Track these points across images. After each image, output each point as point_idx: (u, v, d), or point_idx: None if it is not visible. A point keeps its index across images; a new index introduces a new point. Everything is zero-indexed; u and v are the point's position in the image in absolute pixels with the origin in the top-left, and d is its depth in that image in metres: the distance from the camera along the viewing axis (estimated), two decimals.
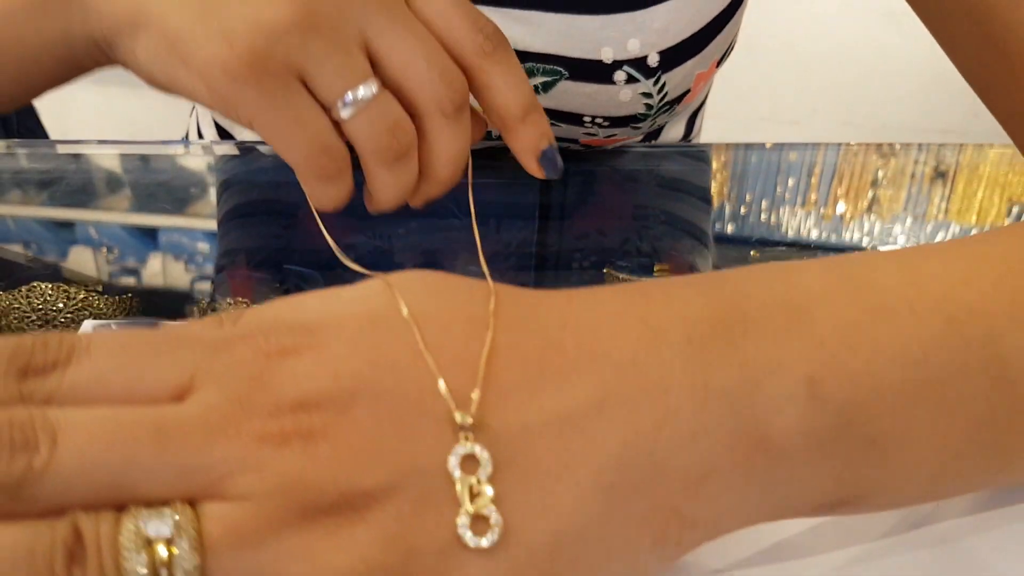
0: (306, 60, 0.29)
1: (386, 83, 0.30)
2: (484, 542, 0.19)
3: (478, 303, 0.22)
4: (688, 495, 0.21)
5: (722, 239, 0.52)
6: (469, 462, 0.20)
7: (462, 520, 0.19)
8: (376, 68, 0.30)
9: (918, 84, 1.11)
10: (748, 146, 0.58)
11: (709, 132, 0.64)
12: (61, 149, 0.51)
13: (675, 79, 0.47)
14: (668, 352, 0.21)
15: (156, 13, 0.30)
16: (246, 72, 0.28)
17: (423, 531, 0.19)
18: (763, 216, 0.53)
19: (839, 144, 0.59)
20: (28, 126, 0.65)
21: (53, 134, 0.73)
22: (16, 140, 0.50)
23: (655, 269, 0.50)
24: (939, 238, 0.52)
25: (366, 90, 0.29)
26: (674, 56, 0.45)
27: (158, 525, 0.18)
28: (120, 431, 0.19)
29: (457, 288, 0.22)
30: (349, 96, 0.29)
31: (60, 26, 0.33)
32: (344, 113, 0.30)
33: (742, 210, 0.53)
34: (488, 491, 0.19)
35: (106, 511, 0.18)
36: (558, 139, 0.51)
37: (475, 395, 0.20)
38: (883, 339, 0.22)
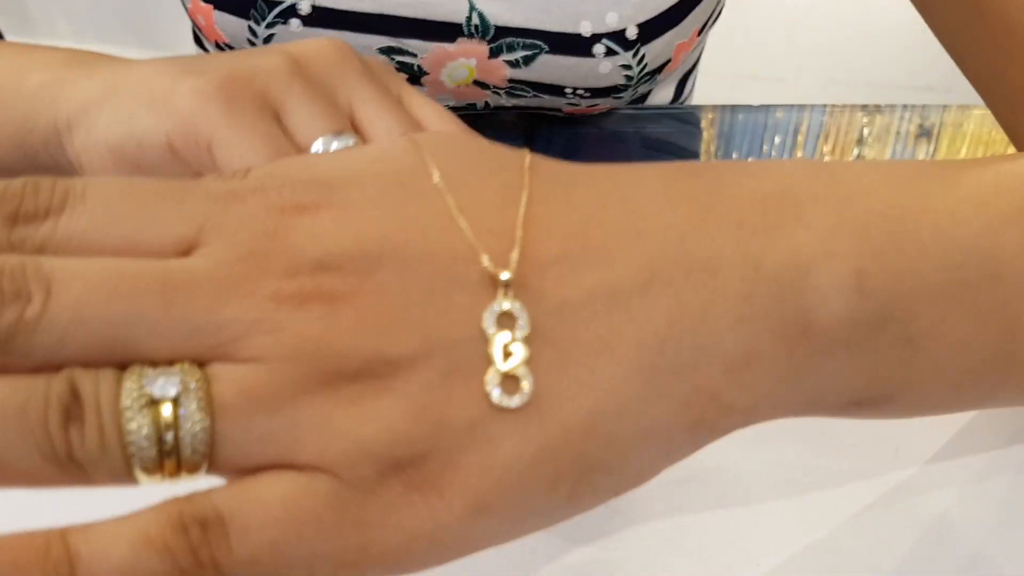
0: (286, 97, 0.27)
1: None
2: (513, 402, 0.18)
3: (514, 170, 0.21)
4: (729, 380, 0.20)
5: None
6: (505, 320, 0.18)
7: (492, 378, 0.18)
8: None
9: (903, 41, 1.13)
10: (735, 107, 0.58)
11: (695, 90, 0.64)
12: None
13: (654, 50, 0.47)
14: (719, 232, 0.20)
15: (135, 78, 0.28)
16: (216, 91, 0.26)
17: (453, 402, 0.18)
18: None
19: (824, 106, 0.59)
20: None
21: None
22: None
23: None
24: None
25: (342, 142, 0.26)
26: (653, 28, 0.46)
27: (164, 384, 0.16)
28: (122, 282, 0.17)
29: (490, 152, 0.21)
30: (326, 143, 0.26)
31: (22, 113, 0.30)
32: None
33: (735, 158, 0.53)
34: (522, 351, 0.18)
35: (107, 368, 0.17)
36: (541, 109, 0.51)
37: (514, 255, 0.19)
38: (928, 239, 0.22)
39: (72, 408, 0.16)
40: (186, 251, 0.18)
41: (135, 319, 0.17)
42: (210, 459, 0.17)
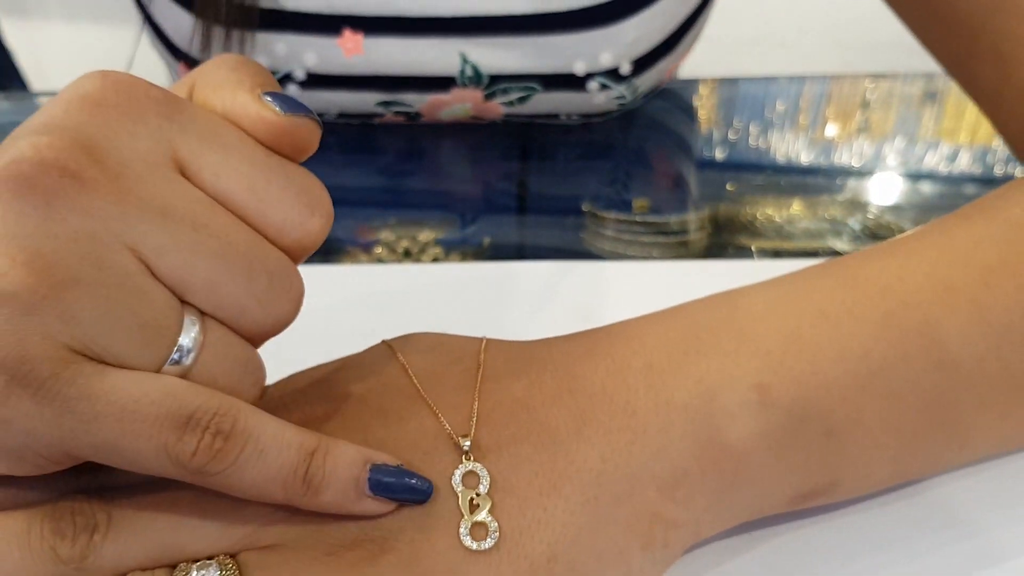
0: (82, 335, 0.20)
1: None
2: (483, 545, 0.22)
3: (469, 355, 0.26)
4: (664, 499, 0.24)
5: (713, 165, 0.54)
6: (469, 478, 0.23)
7: (464, 529, 0.22)
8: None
9: None
10: (735, 80, 0.59)
11: (695, 56, 0.65)
12: (41, 101, 0.52)
13: (647, 80, 0.49)
14: (632, 378, 0.25)
15: None
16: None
17: (432, 552, 0.22)
18: (752, 141, 0.55)
19: (827, 77, 0.60)
20: (3, 68, 0.65)
21: (31, 76, 0.73)
22: None
23: (634, 205, 0.52)
24: (929, 158, 0.54)
25: (188, 338, 0.21)
26: (645, 62, 0.48)
27: (205, 573, 0.21)
28: (164, 501, 0.22)
29: (451, 346, 0.26)
30: (174, 355, 0.21)
31: None
32: (180, 371, 0.21)
33: (731, 135, 0.55)
34: (486, 502, 0.23)
35: (160, 568, 0.22)
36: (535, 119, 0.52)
37: (472, 424, 0.24)
38: (824, 342, 0.25)
39: None
40: None
41: (177, 527, 0.22)
42: None
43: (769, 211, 0.53)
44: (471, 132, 0.52)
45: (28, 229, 0.19)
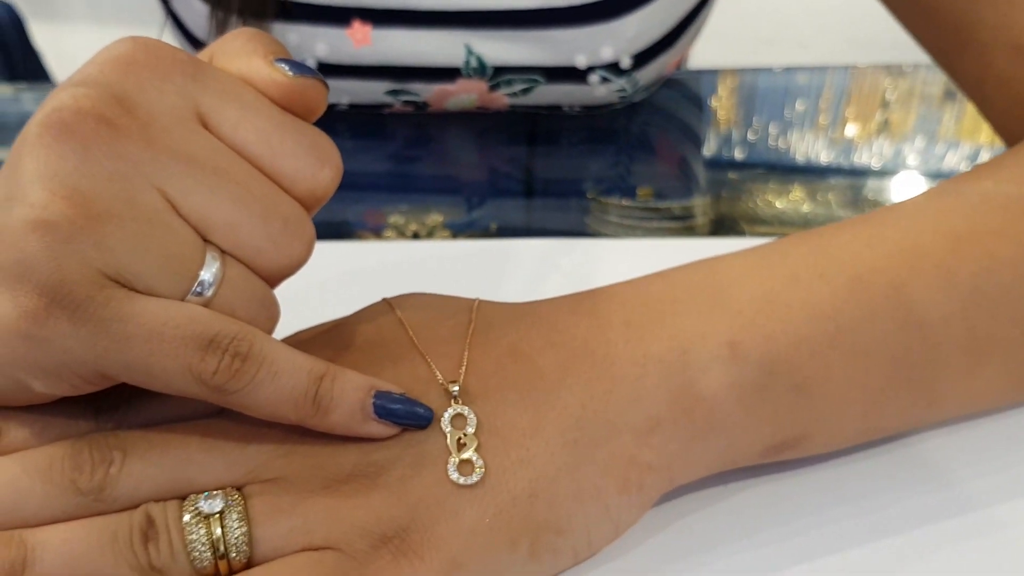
0: (115, 263, 0.22)
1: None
2: (469, 480, 0.25)
3: (461, 313, 0.28)
4: (640, 444, 0.26)
5: (731, 165, 0.55)
6: (458, 420, 0.25)
7: (452, 465, 0.25)
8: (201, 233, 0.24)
9: None
10: (756, 71, 0.61)
11: (711, 56, 0.66)
12: None
13: (649, 73, 0.51)
14: (612, 333, 0.27)
15: None
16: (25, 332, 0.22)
17: (422, 486, 0.25)
18: (771, 141, 0.56)
19: (847, 67, 0.61)
20: (32, 69, 0.69)
21: (59, 77, 0.76)
22: (22, 84, 0.54)
23: (638, 193, 0.54)
24: (950, 158, 0.55)
25: (209, 273, 0.23)
26: (646, 56, 0.50)
27: (211, 504, 0.24)
28: (174, 438, 0.25)
29: (444, 303, 0.29)
30: (196, 288, 0.23)
31: None
32: (201, 302, 0.23)
33: (750, 135, 0.57)
34: (473, 441, 0.25)
35: (172, 500, 0.24)
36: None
37: (462, 370, 0.26)
38: (795, 302, 0.28)
39: (149, 531, 0.24)
40: (220, 411, 0.26)
41: (187, 463, 0.24)
42: (251, 556, 0.24)
43: (770, 197, 0.55)
44: (477, 120, 0.54)
45: (68, 168, 0.22)
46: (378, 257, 0.44)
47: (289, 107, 0.25)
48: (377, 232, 0.53)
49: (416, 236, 0.53)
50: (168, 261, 0.23)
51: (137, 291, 0.22)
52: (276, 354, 0.23)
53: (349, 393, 0.24)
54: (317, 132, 0.25)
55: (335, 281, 0.41)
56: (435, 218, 0.53)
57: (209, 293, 0.23)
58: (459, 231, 0.53)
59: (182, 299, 0.23)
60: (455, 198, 0.53)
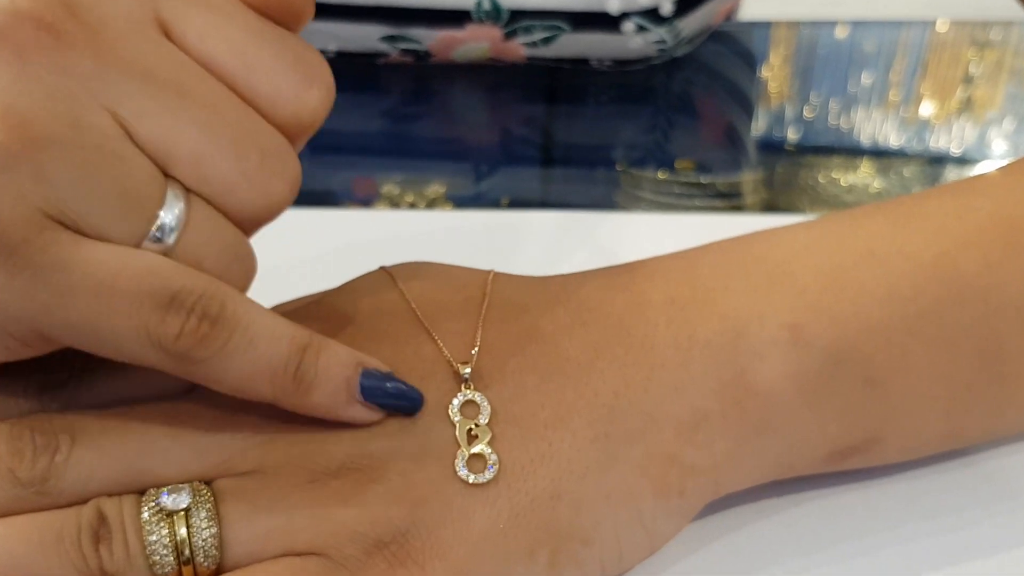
0: (57, 199, 0.22)
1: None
2: (481, 477, 0.25)
3: (474, 285, 0.29)
4: (682, 441, 0.27)
5: (783, 147, 0.55)
6: (468, 408, 0.26)
7: (460, 460, 0.25)
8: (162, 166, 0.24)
9: None
10: (816, 24, 0.61)
11: (765, 5, 0.66)
12: None
13: (693, 23, 0.51)
14: (652, 312, 0.28)
15: None
16: None
17: (427, 483, 0.25)
18: (832, 119, 0.56)
19: (924, 23, 0.61)
20: None
21: None
22: None
23: (677, 165, 0.54)
24: None
25: (170, 215, 0.23)
26: (692, 1, 0.49)
27: (175, 498, 0.24)
28: (132, 421, 0.25)
29: (456, 274, 0.29)
30: (155, 232, 0.23)
31: None
32: (161, 249, 0.23)
33: (806, 112, 0.57)
34: (486, 433, 0.25)
35: (129, 495, 0.24)
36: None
37: (473, 353, 0.27)
38: (868, 281, 0.28)
39: (100, 530, 0.24)
40: (189, 389, 0.26)
41: (146, 450, 0.25)
42: (221, 561, 0.24)
43: (835, 173, 0.55)
44: (489, 74, 0.54)
45: (1, 84, 0.21)
46: (368, 229, 0.44)
47: (268, 13, 0.24)
48: (367, 204, 0.54)
49: (413, 208, 0.53)
50: (121, 198, 0.22)
51: (83, 234, 0.22)
52: (252, 317, 0.23)
53: (335, 368, 0.25)
54: (301, 43, 0.25)
55: (316, 255, 0.41)
56: (436, 189, 0.53)
57: (170, 240, 0.23)
58: (464, 204, 0.54)
59: (137, 246, 0.22)
60: (460, 165, 0.53)
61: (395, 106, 0.54)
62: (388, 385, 0.25)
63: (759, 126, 0.58)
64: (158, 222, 0.23)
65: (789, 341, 0.27)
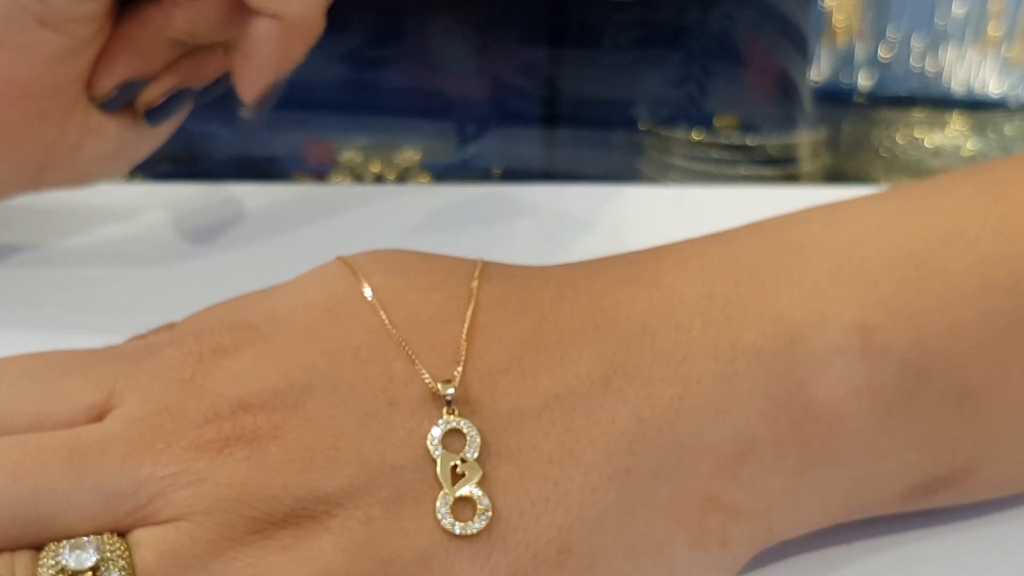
0: None
1: None
2: (470, 527, 0.25)
3: (457, 281, 0.28)
4: (724, 477, 0.26)
5: (851, 99, 0.55)
6: (453, 439, 0.26)
7: (443, 505, 0.25)
8: None
9: None
10: None
11: None
12: None
13: None
14: (684, 313, 0.28)
15: None
16: None
17: (398, 534, 0.25)
18: (915, 61, 0.56)
19: None
20: None
21: None
22: None
23: (716, 123, 0.54)
24: None
25: None
26: None
27: (79, 555, 0.24)
28: (25, 457, 0.25)
29: (434, 265, 0.29)
30: None
31: None
32: None
33: (882, 53, 0.57)
34: (475, 471, 0.25)
35: (22, 550, 0.24)
36: None
37: (457, 372, 0.26)
38: (957, 269, 0.28)
39: None
40: (99, 417, 0.26)
41: (44, 493, 0.24)
42: None
43: (917, 132, 0.55)
44: (476, 5, 0.54)
45: None
46: (323, 207, 0.44)
47: None
48: (321, 175, 0.54)
49: (380, 181, 0.53)
50: None
51: None
52: None
53: None
54: None
55: (256, 242, 0.41)
56: (409, 155, 0.53)
57: None
58: (445, 175, 0.54)
59: None
60: (440, 125, 0.53)
61: (357, 48, 0.54)
62: None
63: (820, 72, 0.58)
64: None
65: (858, 348, 0.27)
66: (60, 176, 0.37)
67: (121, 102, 0.36)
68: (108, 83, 0.35)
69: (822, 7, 0.60)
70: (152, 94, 0.36)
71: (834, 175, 0.55)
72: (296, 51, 0.35)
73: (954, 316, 0.28)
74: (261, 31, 0.34)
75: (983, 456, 0.29)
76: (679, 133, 0.54)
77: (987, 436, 0.28)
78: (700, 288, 0.28)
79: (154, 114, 0.37)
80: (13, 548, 0.24)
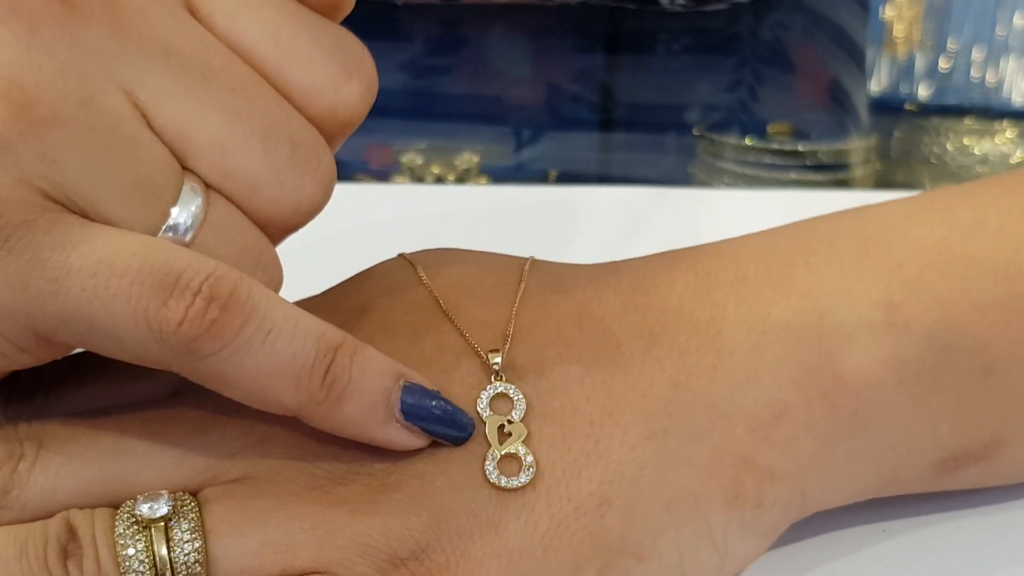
0: (63, 182, 0.24)
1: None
2: (515, 481, 0.27)
3: (511, 271, 0.31)
4: (758, 440, 0.29)
5: (902, 107, 0.56)
6: (500, 402, 0.28)
7: (491, 461, 0.27)
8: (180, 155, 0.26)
9: None
10: None
11: None
12: None
13: None
14: (719, 292, 0.30)
15: None
16: None
17: (450, 488, 0.27)
18: (975, 72, 0.56)
19: None
20: None
21: None
22: None
23: (769, 130, 0.55)
24: None
25: (186, 212, 0.25)
26: None
27: (153, 506, 0.26)
28: (106, 426, 0.27)
29: (488, 259, 0.32)
30: (167, 230, 0.25)
31: None
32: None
33: (942, 64, 0.58)
34: (521, 431, 0.28)
35: (102, 508, 0.26)
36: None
37: (505, 346, 0.29)
38: (980, 253, 0.30)
39: (70, 545, 0.26)
40: (175, 391, 0.28)
41: (121, 456, 0.27)
42: None
43: (968, 140, 0.55)
44: (534, 16, 0.56)
45: (8, 57, 0.24)
46: (384, 207, 0.46)
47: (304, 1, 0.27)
48: (384, 176, 0.55)
49: (440, 183, 0.55)
50: (132, 187, 0.25)
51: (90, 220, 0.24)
52: (272, 304, 0.25)
53: (372, 377, 0.26)
54: (343, 32, 0.27)
55: (320, 241, 0.43)
56: (468, 158, 0.55)
57: (185, 238, 0.25)
58: (502, 177, 0.55)
59: None
60: (498, 130, 0.54)
61: (418, 56, 0.56)
62: (434, 404, 0.27)
63: (880, 82, 0.59)
64: (171, 220, 0.25)
65: (884, 322, 0.29)
66: None
67: None
68: None
69: (882, 18, 0.60)
70: None
71: (884, 182, 0.56)
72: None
73: (977, 295, 0.29)
74: None
75: (1011, 430, 0.30)
76: (731, 138, 0.55)
77: (1014, 410, 0.30)
78: (734, 272, 0.30)
79: None
80: (93, 506, 0.27)
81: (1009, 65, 0.55)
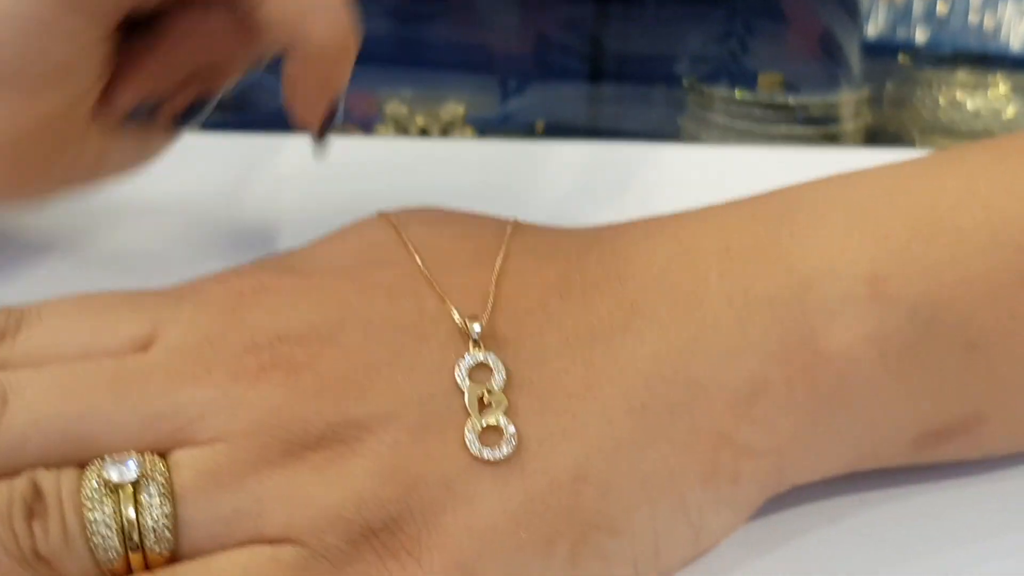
0: None
1: None
2: (496, 453, 0.27)
3: (490, 233, 0.31)
4: (736, 415, 0.29)
5: (895, 58, 0.55)
6: (480, 372, 0.28)
7: (471, 431, 0.27)
8: None
9: None
10: None
11: None
12: None
13: None
14: (702, 263, 0.30)
15: None
16: None
17: (427, 459, 0.27)
18: (972, 17, 0.56)
19: None
20: None
21: None
22: None
23: (760, 82, 0.55)
24: None
25: None
26: None
27: (121, 469, 0.26)
28: (73, 381, 0.27)
29: (470, 221, 0.32)
30: None
31: None
32: None
33: (939, 7, 0.57)
34: (501, 401, 0.28)
35: (69, 468, 0.27)
36: None
37: (485, 311, 0.29)
38: (969, 224, 0.30)
39: (35, 505, 0.26)
40: (144, 347, 0.28)
41: (89, 415, 0.27)
42: (176, 545, 0.26)
43: (960, 95, 0.55)
44: None
45: None
46: (367, 160, 0.46)
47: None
48: (366, 127, 0.55)
49: (424, 134, 0.55)
50: None
51: None
52: None
53: None
54: None
55: (300, 195, 0.43)
56: (453, 108, 0.54)
57: None
58: (488, 128, 0.55)
59: None
60: (483, 79, 0.54)
61: (402, 3, 0.55)
62: None
63: (877, 26, 0.59)
64: None
65: (868, 297, 0.29)
66: (88, 181, 0.38)
67: (139, 119, 0.36)
68: (123, 106, 0.36)
69: None
70: (171, 109, 0.36)
71: (874, 134, 0.55)
72: (338, 77, 0.35)
73: (964, 268, 0.29)
74: (293, 69, 0.34)
75: (992, 406, 0.30)
76: (721, 90, 0.55)
77: (996, 386, 0.30)
78: (717, 242, 0.30)
79: (177, 121, 0.37)
80: (60, 466, 0.27)
81: (1008, 9, 0.55)
